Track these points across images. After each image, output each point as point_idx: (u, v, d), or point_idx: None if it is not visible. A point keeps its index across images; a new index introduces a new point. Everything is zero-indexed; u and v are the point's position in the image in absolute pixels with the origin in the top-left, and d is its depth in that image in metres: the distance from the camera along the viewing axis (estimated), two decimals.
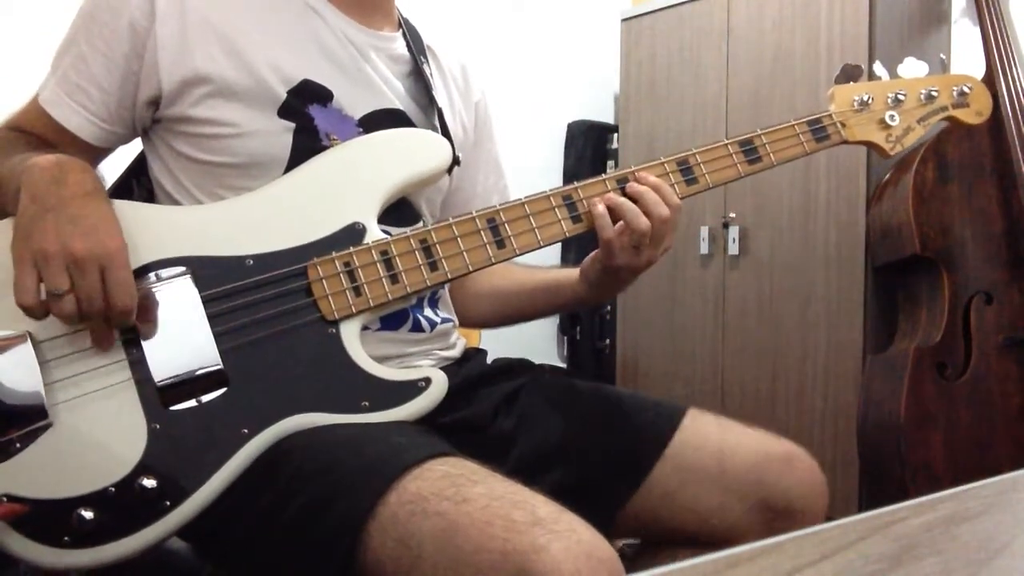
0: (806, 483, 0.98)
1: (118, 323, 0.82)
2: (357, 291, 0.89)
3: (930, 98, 1.12)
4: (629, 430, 1.00)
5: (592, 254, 1.04)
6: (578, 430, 1.01)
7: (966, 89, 1.14)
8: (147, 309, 0.84)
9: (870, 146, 1.11)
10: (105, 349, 0.82)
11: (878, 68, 1.12)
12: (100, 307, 0.80)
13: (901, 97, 1.11)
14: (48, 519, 0.77)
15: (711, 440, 0.99)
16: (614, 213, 0.96)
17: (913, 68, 1.13)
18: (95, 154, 1.00)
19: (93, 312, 0.80)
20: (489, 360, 1.13)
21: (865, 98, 1.09)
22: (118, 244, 0.82)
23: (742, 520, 0.97)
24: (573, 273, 1.10)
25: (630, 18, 3.04)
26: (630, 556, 1.04)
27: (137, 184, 1.07)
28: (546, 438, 1.00)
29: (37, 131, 0.97)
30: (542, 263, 1.19)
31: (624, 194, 0.97)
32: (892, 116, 1.10)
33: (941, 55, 1.19)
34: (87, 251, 0.79)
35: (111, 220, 0.84)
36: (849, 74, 1.11)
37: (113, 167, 1.06)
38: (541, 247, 0.96)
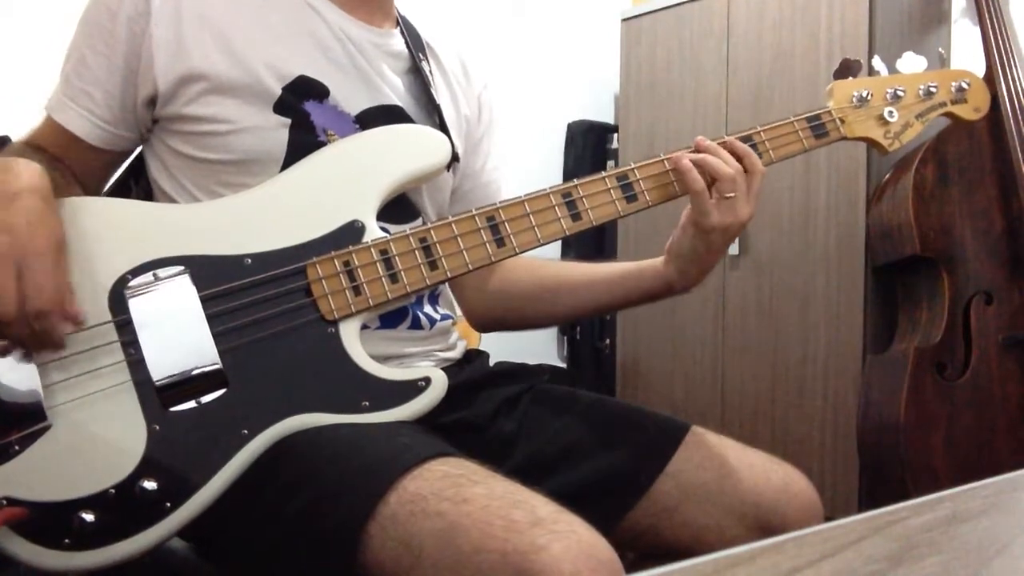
0: (803, 509, 0.98)
1: (40, 327, 0.79)
2: (356, 290, 0.88)
3: (929, 94, 1.12)
4: (631, 444, 1.00)
5: (679, 226, 1.03)
6: (579, 440, 1.00)
7: (964, 85, 1.13)
8: (145, 309, 0.83)
9: (868, 142, 1.10)
10: (34, 351, 0.80)
11: (877, 63, 1.11)
12: (9, 308, 0.77)
13: (900, 93, 1.10)
14: (48, 522, 0.77)
15: (712, 460, 0.99)
16: (697, 166, 0.98)
17: (912, 63, 1.12)
18: (105, 159, 1.00)
19: (2, 314, 0.77)
20: (491, 363, 1.13)
21: (864, 94, 1.08)
22: (39, 243, 0.79)
23: (738, 540, 0.96)
24: (652, 261, 1.09)
25: (630, 18, 3.04)
26: (632, 560, 1.04)
27: (135, 184, 1.07)
28: (546, 444, 1.00)
29: (48, 143, 0.97)
30: None
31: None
32: (891, 112, 1.09)
33: (940, 50, 1.17)
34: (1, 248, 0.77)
35: (39, 219, 0.80)
36: (848, 69, 1.10)
37: None
38: (541, 245, 0.96)
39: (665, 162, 1.00)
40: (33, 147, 0.98)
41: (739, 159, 0.99)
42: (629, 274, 1.11)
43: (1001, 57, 2.17)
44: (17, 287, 0.78)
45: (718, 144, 1.00)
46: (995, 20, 2.21)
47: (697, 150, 0.99)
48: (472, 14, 3.20)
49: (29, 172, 0.83)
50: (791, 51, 2.55)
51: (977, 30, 2.26)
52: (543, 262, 1.17)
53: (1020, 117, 2.12)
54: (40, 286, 0.79)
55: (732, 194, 0.97)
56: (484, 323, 1.21)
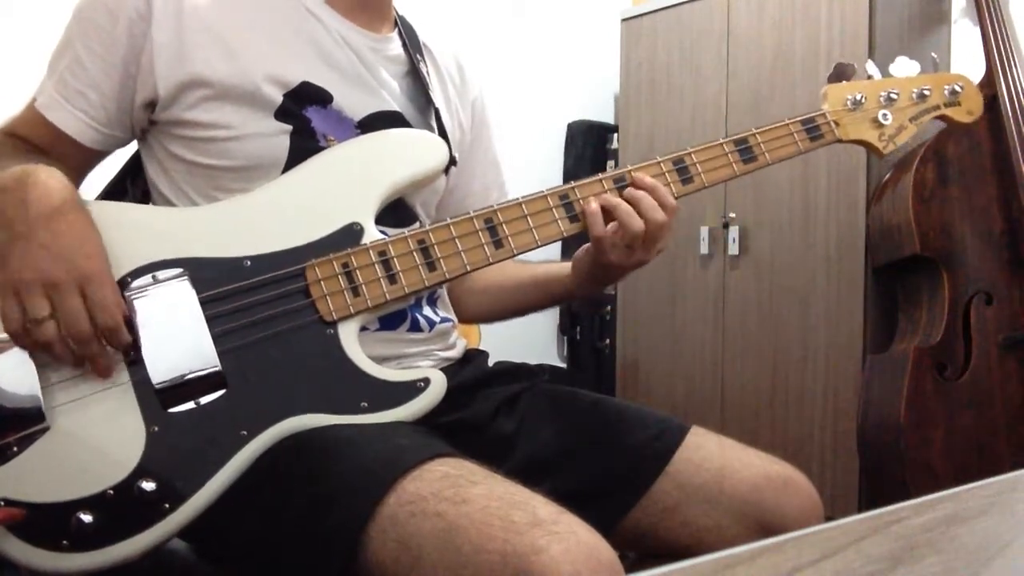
0: (803, 508, 0.98)
1: (110, 341, 0.81)
2: (355, 292, 0.88)
3: (922, 97, 1.13)
4: (631, 444, 1.00)
5: (584, 247, 1.04)
6: (579, 439, 1.01)
7: (958, 88, 1.15)
8: (144, 311, 0.83)
9: (863, 145, 1.11)
10: (104, 373, 0.81)
11: (870, 67, 1.13)
12: (86, 328, 0.79)
13: (894, 96, 1.11)
14: (46, 523, 0.77)
15: (712, 460, 0.99)
16: (608, 213, 0.97)
17: (905, 67, 1.13)
18: (92, 157, 1.00)
19: (79, 334, 0.79)
20: (490, 362, 1.13)
21: (858, 97, 1.09)
22: (94, 264, 0.81)
23: (738, 539, 0.96)
24: (565, 267, 1.11)
25: (630, 18, 3.04)
26: (632, 560, 1.04)
27: (132, 185, 1.07)
28: (546, 444, 1.00)
29: (34, 136, 0.97)
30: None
31: (621, 195, 0.97)
32: (885, 115, 1.10)
33: (933, 54, 1.19)
34: (62, 275, 0.79)
35: (85, 237, 0.82)
36: (841, 73, 1.11)
37: (107, 168, 1.06)
38: (539, 247, 0.96)
39: (661, 164, 1.00)
40: (15, 137, 0.98)
41: (639, 206, 0.96)
42: (538, 281, 1.16)
43: (1001, 57, 2.17)
44: (86, 308, 0.79)
45: (646, 173, 0.99)
46: (995, 20, 2.21)
47: (603, 206, 0.96)
48: (472, 14, 3.20)
49: (60, 183, 0.84)
50: (791, 51, 2.55)
51: (977, 30, 2.26)
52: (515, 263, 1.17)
53: (1020, 117, 2.12)
54: (107, 306, 0.80)
55: (636, 244, 0.97)
56: (468, 319, 1.22)
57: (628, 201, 0.97)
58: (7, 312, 0.79)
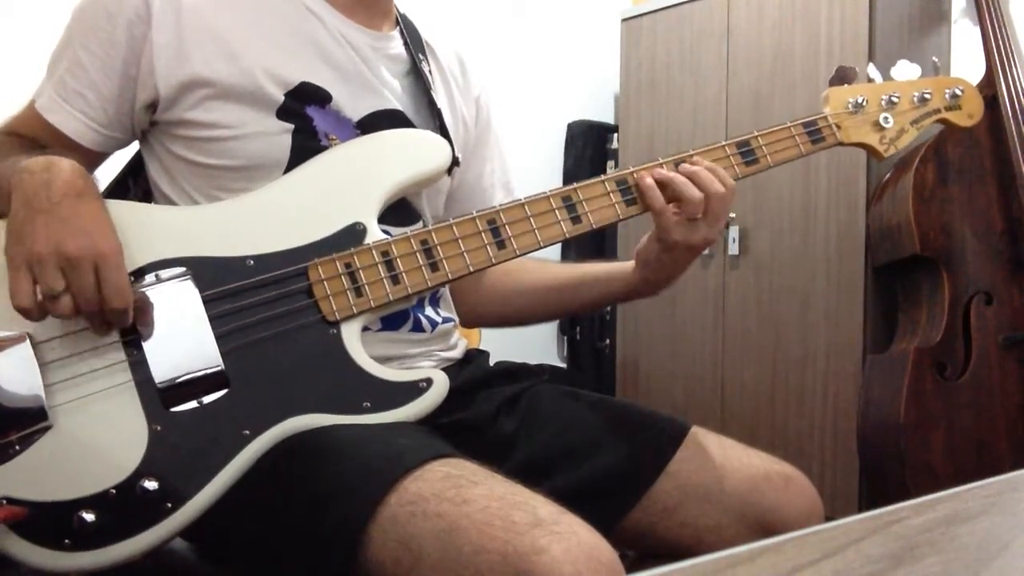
0: (803, 507, 0.98)
1: (115, 323, 0.82)
2: (358, 292, 0.89)
3: (923, 100, 1.13)
4: (631, 443, 1.00)
5: (648, 235, 1.04)
6: (580, 439, 1.01)
7: (958, 92, 1.15)
8: (148, 310, 0.84)
9: (864, 148, 1.11)
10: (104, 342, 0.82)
11: (871, 70, 1.13)
12: (96, 309, 0.80)
13: (895, 99, 1.11)
14: (48, 522, 0.77)
15: (712, 459, 0.99)
16: (664, 187, 0.97)
17: (906, 70, 1.14)
18: (93, 159, 1.00)
19: (91, 310, 0.79)
20: (491, 363, 1.13)
21: (859, 100, 1.10)
22: (111, 244, 0.81)
23: (738, 539, 0.96)
24: (624, 264, 1.10)
25: (630, 18, 3.04)
26: (632, 559, 1.04)
27: (133, 184, 1.07)
28: (547, 444, 1.00)
29: (36, 135, 0.97)
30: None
31: (677, 169, 0.97)
32: (886, 118, 1.10)
33: (934, 58, 1.19)
34: (79, 251, 0.79)
35: (103, 221, 0.83)
36: (843, 76, 1.12)
37: (109, 167, 1.06)
38: (541, 248, 0.96)
39: (664, 166, 1.00)
40: (16, 136, 0.98)
41: (696, 179, 0.97)
42: (600, 278, 1.13)
43: (1001, 57, 2.17)
44: (97, 288, 0.79)
45: (703, 158, 0.99)
46: (995, 20, 2.22)
47: (658, 180, 0.97)
48: (472, 14, 3.20)
49: (82, 174, 0.85)
50: (791, 51, 2.55)
51: (977, 30, 2.26)
52: (535, 263, 1.17)
53: (1020, 117, 2.12)
54: (120, 286, 0.80)
55: (698, 216, 0.97)
56: (472, 321, 1.22)
57: (685, 175, 0.97)
58: (18, 287, 0.79)
